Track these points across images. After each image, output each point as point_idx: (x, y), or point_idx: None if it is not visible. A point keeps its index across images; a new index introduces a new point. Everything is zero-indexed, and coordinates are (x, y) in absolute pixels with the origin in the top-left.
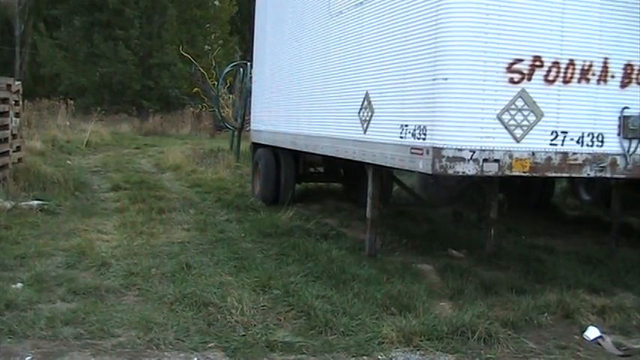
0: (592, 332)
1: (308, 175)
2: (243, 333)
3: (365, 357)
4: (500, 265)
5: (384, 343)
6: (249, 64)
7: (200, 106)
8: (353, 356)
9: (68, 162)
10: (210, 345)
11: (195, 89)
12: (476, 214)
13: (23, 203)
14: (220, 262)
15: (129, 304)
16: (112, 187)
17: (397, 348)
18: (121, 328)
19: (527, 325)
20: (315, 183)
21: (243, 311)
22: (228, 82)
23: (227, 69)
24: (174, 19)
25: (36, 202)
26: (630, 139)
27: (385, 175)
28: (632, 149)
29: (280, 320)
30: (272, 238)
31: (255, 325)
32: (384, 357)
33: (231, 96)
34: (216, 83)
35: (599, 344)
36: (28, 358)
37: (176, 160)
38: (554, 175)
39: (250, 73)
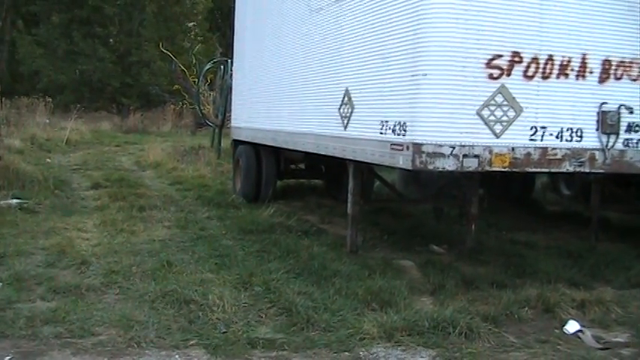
0: (572, 326)
1: (289, 172)
2: (225, 330)
3: (346, 353)
4: (481, 260)
5: (365, 338)
6: (229, 60)
7: (181, 103)
8: (334, 352)
9: (48, 160)
10: (191, 342)
11: (176, 86)
12: (457, 209)
13: (2, 202)
14: (201, 260)
15: (109, 302)
16: (92, 185)
17: (378, 344)
18: (102, 327)
19: (507, 320)
20: (297, 180)
21: (224, 308)
22: (208, 79)
23: (207, 66)
24: (154, 16)
25: (15, 200)
26: (609, 134)
27: (366, 171)
28: (610, 144)
29: (262, 317)
30: (253, 235)
31: (236, 322)
32: (365, 353)
33: (211, 93)
34: (196, 80)
35: (579, 338)
36: (8, 357)
37: (157, 158)
38: (533, 170)
39: (231, 70)
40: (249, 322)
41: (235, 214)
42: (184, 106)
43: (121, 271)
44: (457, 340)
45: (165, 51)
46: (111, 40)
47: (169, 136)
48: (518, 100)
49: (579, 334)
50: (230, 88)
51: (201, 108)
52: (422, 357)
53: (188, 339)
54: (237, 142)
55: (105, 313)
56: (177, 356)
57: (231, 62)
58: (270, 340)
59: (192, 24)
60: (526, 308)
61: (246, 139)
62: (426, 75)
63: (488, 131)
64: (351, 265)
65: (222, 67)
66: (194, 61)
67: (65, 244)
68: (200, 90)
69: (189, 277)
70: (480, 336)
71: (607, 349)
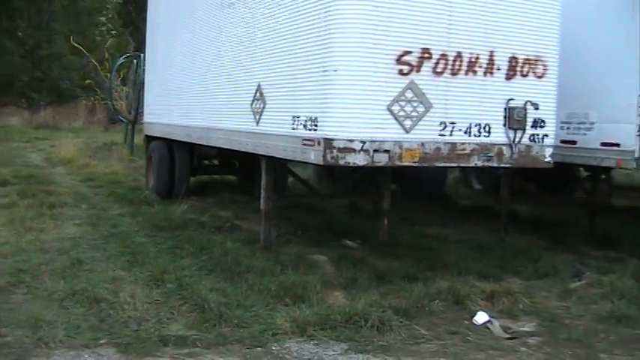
0: (481, 317)
1: (203, 168)
2: (136, 328)
3: (259, 348)
4: (394, 254)
5: (277, 334)
6: (142, 55)
7: (93, 98)
8: (247, 348)
9: None
10: (101, 341)
11: (88, 81)
12: (371, 204)
13: None
14: (113, 257)
15: (17, 302)
16: (0, 183)
17: (291, 338)
18: (8, 328)
19: (419, 312)
20: (210, 176)
21: (135, 306)
22: (121, 74)
23: (120, 60)
24: (63, 9)
25: None
26: (515, 130)
27: (279, 166)
28: (517, 139)
29: (174, 314)
30: (166, 231)
31: (148, 320)
32: (277, 348)
33: (124, 88)
34: (109, 75)
35: (488, 328)
36: None
37: (68, 154)
38: (443, 164)
39: (144, 65)
40: (161, 319)
41: (148, 210)
42: (97, 101)
43: (29, 270)
44: (369, 333)
45: (76, 45)
46: (19, 34)
47: (81, 131)
48: (427, 95)
49: (488, 324)
50: (143, 84)
51: (114, 103)
52: (334, 350)
53: (98, 338)
54: (149, 138)
55: (12, 313)
56: (87, 356)
57: (145, 57)
58: (182, 337)
59: (103, 18)
60: (437, 300)
61: (159, 135)
62: (336, 71)
63: (398, 126)
64: (265, 260)
65: (135, 61)
66: (106, 55)
67: None
68: (112, 85)
69: (100, 275)
70: (392, 329)
71: (514, 338)
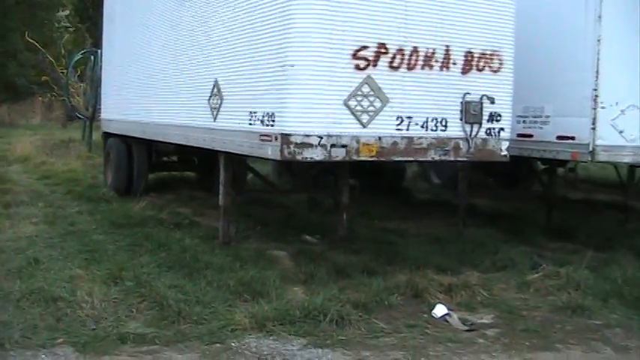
0: (440, 310)
1: (161, 165)
2: (94, 327)
3: (218, 345)
4: (353, 248)
5: (237, 330)
6: (100, 51)
7: (50, 95)
8: (206, 344)
9: None
10: (59, 341)
11: (44, 78)
12: (330, 199)
13: None
14: (70, 256)
15: None
16: None
17: (250, 334)
18: None
19: (378, 306)
20: (169, 172)
21: (93, 304)
22: (79, 70)
23: (77, 56)
24: (17, 4)
25: None
26: (472, 124)
27: (238, 162)
28: (473, 133)
29: (132, 312)
30: (124, 228)
31: (106, 318)
32: (237, 344)
33: (82, 84)
34: (66, 71)
35: (447, 321)
36: None
37: (24, 152)
38: (400, 159)
39: (101, 61)
40: (120, 317)
41: (106, 208)
42: (54, 97)
43: None
44: (328, 328)
45: (31, 40)
46: None
47: (39, 129)
48: (384, 90)
49: (447, 317)
50: (100, 80)
51: (71, 100)
52: (293, 345)
53: (55, 337)
54: (107, 135)
55: None
56: (43, 356)
57: (102, 53)
58: (140, 334)
59: (60, 14)
60: (396, 294)
61: (117, 132)
62: (293, 66)
63: (355, 121)
64: (223, 256)
65: (92, 57)
66: (63, 51)
67: None
68: (69, 81)
69: (57, 273)
70: (351, 323)
71: (473, 330)
